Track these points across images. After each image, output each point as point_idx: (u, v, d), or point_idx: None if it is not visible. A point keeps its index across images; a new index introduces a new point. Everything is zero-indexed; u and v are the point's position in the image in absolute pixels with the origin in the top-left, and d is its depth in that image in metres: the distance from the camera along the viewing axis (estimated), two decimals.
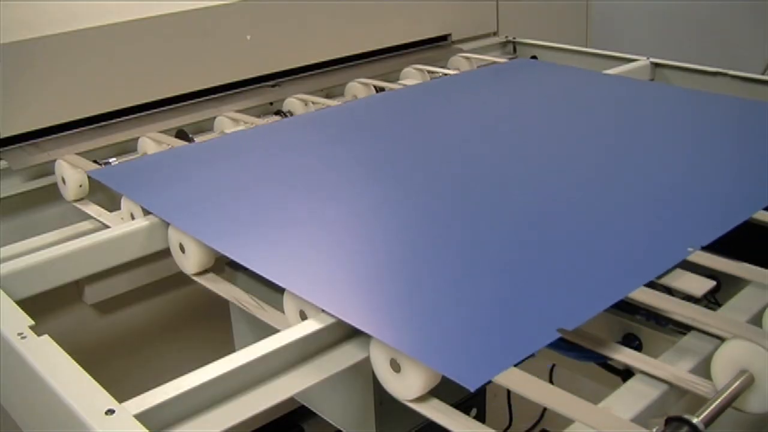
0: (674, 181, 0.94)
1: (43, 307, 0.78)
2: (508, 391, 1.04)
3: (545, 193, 0.92)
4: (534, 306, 0.68)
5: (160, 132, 1.17)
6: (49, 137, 1.14)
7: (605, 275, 0.73)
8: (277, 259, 0.78)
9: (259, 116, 1.30)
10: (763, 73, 1.57)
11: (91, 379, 0.60)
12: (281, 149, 1.09)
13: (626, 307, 0.76)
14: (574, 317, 0.66)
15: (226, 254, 0.80)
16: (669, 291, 0.81)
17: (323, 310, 0.69)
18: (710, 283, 0.73)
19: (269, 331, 0.68)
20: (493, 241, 0.81)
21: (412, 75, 1.45)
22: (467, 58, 1.51)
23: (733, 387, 0.59)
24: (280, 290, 0.74)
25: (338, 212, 0.89)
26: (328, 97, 1.38)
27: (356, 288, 0.74)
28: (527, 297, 0.70)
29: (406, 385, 0.62)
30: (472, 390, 0.57)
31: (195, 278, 0.85)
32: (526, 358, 0.62)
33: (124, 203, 0.94)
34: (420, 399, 0.62)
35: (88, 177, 1.03)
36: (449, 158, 1.04)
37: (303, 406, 0.87)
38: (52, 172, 1.08)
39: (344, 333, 0.68)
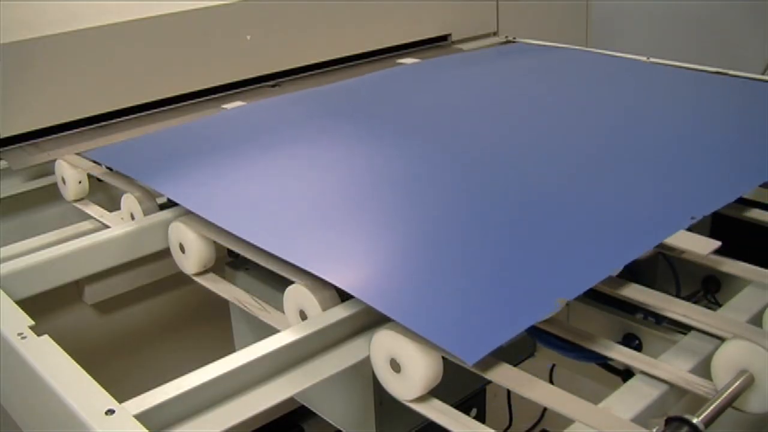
0: (676, 155, 0.93)
1: (43, 307, 0.78)
2: (508, 391, 1.04)
3: (547, 167, 0.92)
4: (534, 278, 0.68)
5: None
6: (49, 137, 1.14)
7: (605, 246, 0.73)
8: (279, 234, 0.79)
9: None
10: (763, 73, 1.57)
11: (91, 379, 0.60)
12: (281, 125, 1.10)
13: (626, 307, 0.76)
14: (574, 287, 0.66)
15: (226, 227, 0.81)
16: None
17: (320, 278, 0.69)
18: (715, 244, 0.72)
19: (269, 331, 0.68)
20: (493, 215, 0.81)
21: None
22: None
23: (733, 387, 0.59)
24: (281, 290, 0.74)
25: (338, 186, 0.89)
26: None
27: (356, 259, 0.74)
28: (527, 270, 0.70)
29: (406, 385, 0.62)
30: (470, 364, 0.57)
31: (195, 278, 0.85)
32: (525, 357, 0.62)
33: (124, 203, 0.94)
34: (420, 399, 0.62)
35: (88, 177, 1.03)
36: (451, 135, 1.05)
37: (303, 406, 0.87)
38: (52, 172, 1.08)
39: (344, 333, 0.68)
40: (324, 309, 0.69)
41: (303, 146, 1.02)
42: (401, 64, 1.46)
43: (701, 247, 0.72)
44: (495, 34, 1.68)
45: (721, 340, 0.63)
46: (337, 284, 0.69)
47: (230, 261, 0.93)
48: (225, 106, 1.23)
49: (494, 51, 1.50)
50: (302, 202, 0.86)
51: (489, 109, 1.14)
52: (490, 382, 0.62)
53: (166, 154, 1.03)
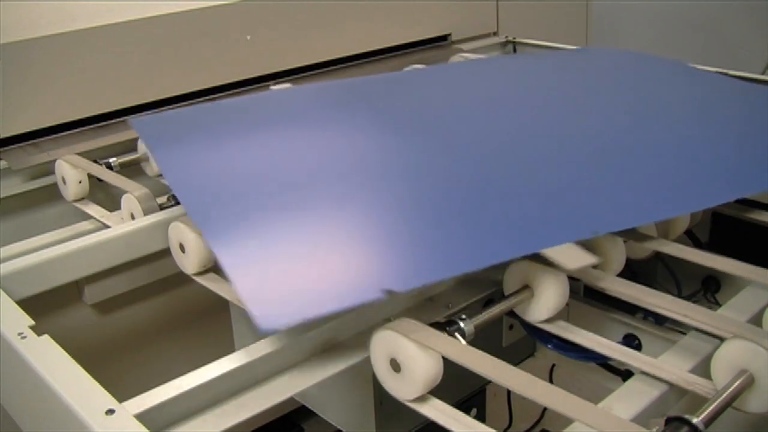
0: (672, 155, 0.91)
1: (43, 307, 0.78)
2: (508, 391, 1.04)
3: (537, 161, 0.91)
4: (375, 263, 0.69)
5: None
6: (49, 137, 1.14)
7: (489, 237, 0.73)
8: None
9: None
10: (762, 73, 1.57)
11: (91, 379, 0.60)
12: (284, 119, 1.10)
13: (626, 307, 0.76)
14: (416, 278, 0.66)
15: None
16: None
17: None
18: (590, 260, 0.71)
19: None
20: (427, 187, 0.82)
21: None
22: (467, 58, 1.51)
23: (733, 387, 0.59)
24: None
25: (331, 180, 0.89)
26: None
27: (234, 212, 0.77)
28: (373, 252, 0.70)
29: (406, 385, 0.62)
30: (261, 329, 0.58)
31: (195, 278, 0.85)
32: (525, 357, 0.62)
33: (124, 203, 0.94)
34: (420, 399, 0.62)
35: (88, 177, 1.03)
36: (449, 133, 1.04)
37: (303, 406, 0.87)
38: (52, 172, 1.08)
39: (344, 333, 0.68)
40: None
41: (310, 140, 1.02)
42: (401, 68, 1.46)
43: (572, 261, 0.70)
44: (495, 34, 1.68)
45: (721, 340, 0.63)
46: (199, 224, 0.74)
47: None
48: (273, 87, 1.27)
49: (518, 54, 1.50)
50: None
51: (488, 109, 1.14)
52: (490, 382, 0.62)
53: (191, 131, 1.05)
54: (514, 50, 1.66)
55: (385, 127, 1.03)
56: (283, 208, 0.79)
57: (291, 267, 0.68)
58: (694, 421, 0.54)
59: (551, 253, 0.71)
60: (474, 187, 0.83)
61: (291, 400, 0.64)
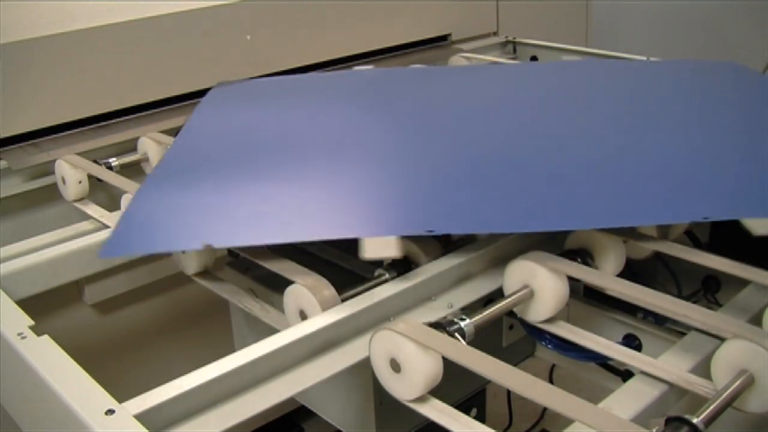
0: (666, 158, 0.90)
1: (43, 307, 0.78)
2: (508, 391, 1.04)
3: (541, 159, 0.92)
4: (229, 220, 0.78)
5: (160, 132, 1.17)
6: (49, 137, 1.14)
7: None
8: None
9: None
10: (762, 73, 1.57)
11: (91, 379, 0.60)
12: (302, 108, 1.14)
13: (626, 307, 0.76)
14: (231, 239, 0.75)
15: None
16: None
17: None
18: (391, 252, 0.72)
19: (269, 331, 0.68)
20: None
21: None
22: (467, 58, 1.51)
23: (733, 387, 0.59)
24: (280, 290, 0.74)
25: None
26: None
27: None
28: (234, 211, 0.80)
29: (406, 385, 0.62)
30: (99, 254, 0.72)
31: (195, 278, 0.85)
32: (525, 357, 0.62)
33: (124, 203, 0.94)
34: (420, 399, 0.62)
35: (88, 177, 1.03)
36: (451, 133, 1.04)
37: (303, 406, 0.87)
38: (52, 172, 1.08)
39: (344, 333, 0.68)
40: (324, 309, 0.69)
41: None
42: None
43: (372, 250, 0.72)
44: (495, 34, 1.68)
45: (721, 340, 0.63)
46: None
47: (230, 261, 0.93)
48: (357, 67, 1.37)
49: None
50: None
51: (489, 112, 1.14)
52: (489, 382, 0.62)
53: (242, 101, 1.17)
54: (514, 50, 1.65)
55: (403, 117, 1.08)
56: (238, 171, 0.88)
57: (177, 214, 0.79)
58: (694, 421, 0.54)
59: (364, 239, 0.73)
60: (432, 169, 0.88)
61: (291, 400, 0.64)
